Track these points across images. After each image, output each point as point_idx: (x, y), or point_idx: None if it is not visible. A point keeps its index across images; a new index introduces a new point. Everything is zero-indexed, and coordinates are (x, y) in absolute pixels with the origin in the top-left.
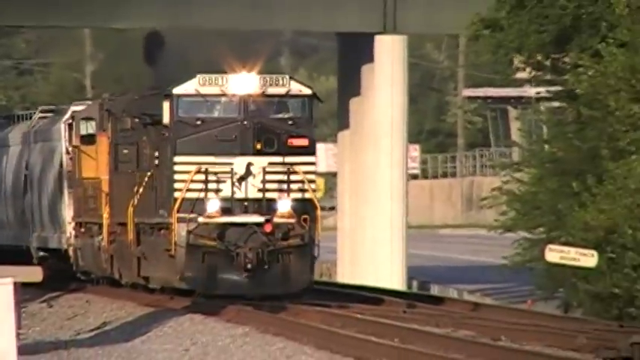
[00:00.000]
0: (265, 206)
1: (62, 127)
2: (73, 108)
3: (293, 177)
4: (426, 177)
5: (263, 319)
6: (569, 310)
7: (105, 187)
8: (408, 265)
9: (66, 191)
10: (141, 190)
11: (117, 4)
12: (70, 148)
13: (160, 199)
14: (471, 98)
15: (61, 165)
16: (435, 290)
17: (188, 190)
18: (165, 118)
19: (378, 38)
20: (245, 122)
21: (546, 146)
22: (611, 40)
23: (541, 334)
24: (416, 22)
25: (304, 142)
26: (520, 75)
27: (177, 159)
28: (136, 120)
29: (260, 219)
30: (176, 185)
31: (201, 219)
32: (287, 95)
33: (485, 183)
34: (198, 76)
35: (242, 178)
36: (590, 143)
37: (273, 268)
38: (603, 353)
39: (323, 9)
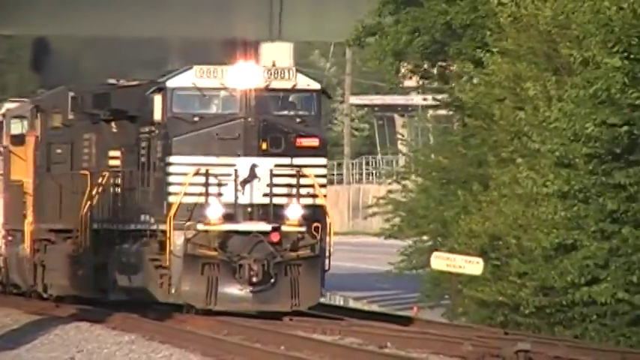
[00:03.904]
0: (272, 213)
1: None
2: (7, 105)
3: (303, 181)
4: None
5: (149, 326)
6: (454, 318)
7: (30, 190)
8: None
9: None
10: (97, 193)
11: (4, 11)
12: (1, 149)
13: (143, 204)
14: (357, 106)
15: None
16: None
17: (185, 194)
18: (157, 114)
19: (263, 45)
20: (249, 119)
21: (432, 155)
22: (494, 49)
23: (427, 341)
24: (302, 30)
25: (314, 142)
26: (407, 83)
27: (172, 159)
28: (70, 117)
29: (266, 227)
30: (171, 189)
31: (200, 226)
32: (293, 90)
33: (371, 190)
34: (195, 67)
35: (246, 181)
36: (476, 151)
37: (281, 282)
38: None
39: (212, 16)
